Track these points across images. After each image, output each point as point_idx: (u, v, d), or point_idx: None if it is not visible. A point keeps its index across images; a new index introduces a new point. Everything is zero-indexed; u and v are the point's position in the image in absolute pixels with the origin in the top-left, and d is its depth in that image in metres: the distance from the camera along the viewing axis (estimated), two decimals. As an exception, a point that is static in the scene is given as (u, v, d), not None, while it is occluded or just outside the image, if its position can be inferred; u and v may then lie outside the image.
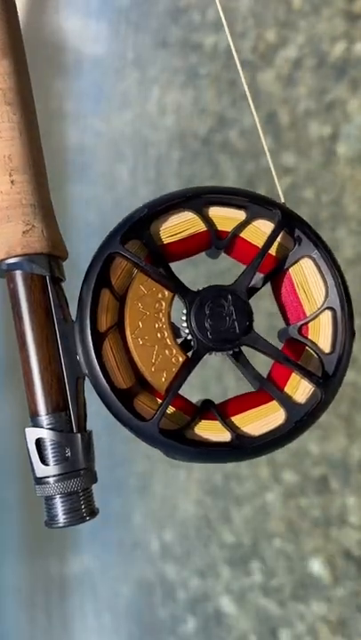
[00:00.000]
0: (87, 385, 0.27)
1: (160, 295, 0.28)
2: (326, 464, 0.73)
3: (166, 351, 0.28)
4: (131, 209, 0.28)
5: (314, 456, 0.75)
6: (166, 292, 0.28)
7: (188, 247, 0.29)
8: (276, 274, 0.30)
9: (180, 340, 0.28)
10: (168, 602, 1.10)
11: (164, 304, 0.28)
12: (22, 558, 2.68)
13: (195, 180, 1.11)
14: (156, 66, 1.31)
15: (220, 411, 0.29)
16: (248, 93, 0.36)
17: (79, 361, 0.27)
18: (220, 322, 0.28)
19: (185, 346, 0.28)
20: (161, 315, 0.28)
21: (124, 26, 1.49)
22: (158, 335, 0.28)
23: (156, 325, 0.28)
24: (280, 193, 0.30)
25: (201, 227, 0.28)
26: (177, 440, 0.27)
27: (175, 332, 0.28)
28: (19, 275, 0.27)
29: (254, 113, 0.35)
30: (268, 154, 0.33)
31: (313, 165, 0.76)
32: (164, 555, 1.14)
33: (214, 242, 0.29)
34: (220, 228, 0.29)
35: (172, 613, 1.09)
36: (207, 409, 0.29)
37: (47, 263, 0.27)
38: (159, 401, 0.28)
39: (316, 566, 0.74)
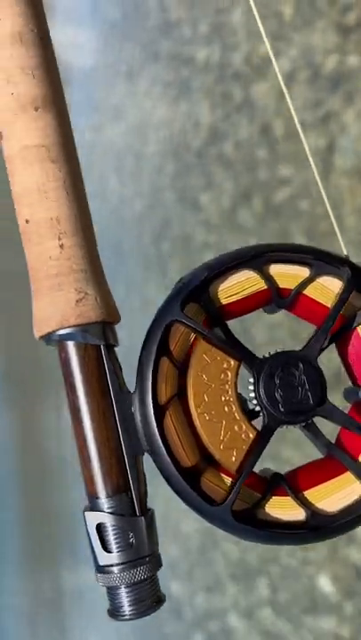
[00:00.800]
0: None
1: (225, 365, 0.26)
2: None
3: (235, 427, 0.26)
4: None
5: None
6: (232, 362, 0.26)
7: (247, 306, 0.27)
8: (344, 332, 0.27)
9: (245, 410, 0.26)
10: (174, 618, 1.09)
11: (229, 374, 0.26)
12: (22, 575, 2.66)
13: (190, 192, 1.10)
14: (147, 79, 1.31)
15: (291, 484, 0.26)
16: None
17: (139, 436, 0.25)
18: (292, 392, 0.26)
19: (251, 415, 0.26)
20: (227, 386, 0.26)
21: (115, 39, 1.50)
22: (225, 409, 0.26)
23: (223, 398, 0.26)
24: (342, 246, 0.29)
25: (262, 285, 0.27)
26: (251, 523, 0.26)
27: (242, 402, 0.26)
28: (71, 345, 0.25)
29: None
30: (331, 214, 0.32)
31: (309, 178, 0.76)
32: (168, 571, 1.12)
33: (275, 300, 0.27)
34: (281, 285, 0.27)
35: (179, 630, 1.08)
36: (277, 483, 0.27)
37: (101, 331, 0.26)
38: (226, 478, 0.26)
39: (323, 582, 0.73)
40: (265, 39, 0.38)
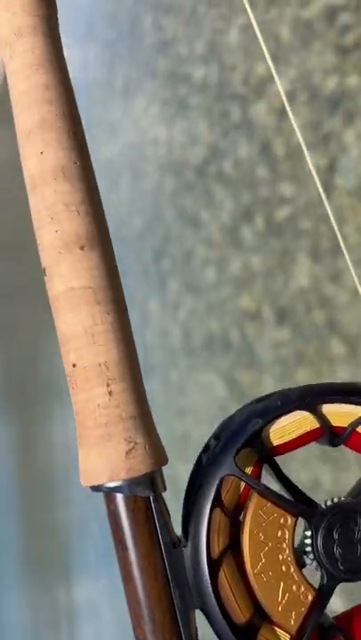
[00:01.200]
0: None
1: (282, 521, 0.25)
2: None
3: (293, 587, 0.25)
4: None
5: (326, 489, 0.74)
6: (289, 519, 0.25)
7: (299, 443, 0.27)
8: None
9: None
10: None
11: (287, 533, 0.25)
12: (23, 590, 2.63)
13: (190, 209, 1.11)
14: (144, 97, 1.32)
15: (347, 633, 0.26)
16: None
17: (192, 592, 0.25)
18: (351, 549, 0.25)
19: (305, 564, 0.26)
20: (284, 545, 0.25)
21: (110, 58, 1.51)
22: (283, 568, 0.25)
23: (280, 557, 0.25)
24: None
25: (314, 424, 0.26)
26: None
27: (298, 557, 0.26)
28: (120, 498, 0.25)
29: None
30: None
31: (311, 197, 0.76)
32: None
33: (328, 437, 0.26)
34: (334, 423, 0.27)
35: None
36: (333, 633, 0.26)
37: (150, 482, 0.25)
38: (283, 634, 0.25)
39: None
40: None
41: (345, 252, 0.35)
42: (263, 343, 0.88)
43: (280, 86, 0.39)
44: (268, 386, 0.87)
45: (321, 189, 0.41)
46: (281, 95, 0.44)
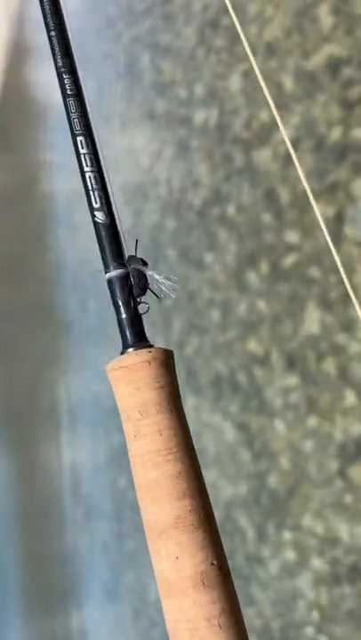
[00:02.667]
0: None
1: None
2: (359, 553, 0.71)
3: None
4: None
5: (346, 543, 0.73)
6: None
7: None
8: None
9: None
10: None
11: None
12: (23, 617, 2.58)
13: (193, 251, 1.11)
14: (143, 136, 1.33)
15: None
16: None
17: None
18: None
19: None
20: None
21: (107, 95, 1.52)
22: None
23: None
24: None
25: None
26: None
27: None
28: None
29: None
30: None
31: (319, 245, 0.76)
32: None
33: None
34: None
35: None
36: None
37: None
38: None
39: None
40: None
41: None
42: (273, 388, 0.87)
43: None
44: (280, 431, 0.87)
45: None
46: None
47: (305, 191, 0.74)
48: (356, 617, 0.72)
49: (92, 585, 1.80)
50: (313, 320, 0.79)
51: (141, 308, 0.29)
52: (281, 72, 0.82)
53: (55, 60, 0.32)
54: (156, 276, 0.29)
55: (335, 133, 0.73)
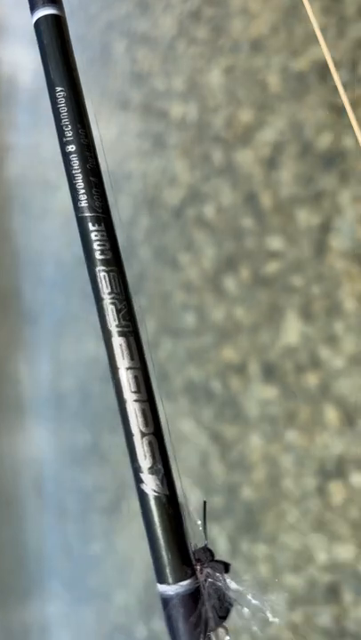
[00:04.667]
0: None
1: None
2: (335, 571, 0.69)
3: None
4: None
5: (321, 561, 0.71)
6: None
7: None
8: None
9: None
10: None
11: None
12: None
13: (168, 251, 1.07)
14: (116, 127, 1.27)
15: None
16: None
17: None
18: None
19: None
20: None
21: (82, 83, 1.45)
22: None
23: None
24: None
25: None
26: None
27: None
28: None
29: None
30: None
31: (302, 254, 0.74)
32: (154, 647, 1.07)
33: None
34: None
35: None
36: None
37: None
38: None
39: None
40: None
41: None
42: (249, 398, 0.85)
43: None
44: (256, 443, 0.84)
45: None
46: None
47: (289, 197, 0.71)
48: (332, 637, 0.71)
49: (54, 586, 1.76)
50: (293, 331, 0.76)
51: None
52: (266, 71, 0.79)
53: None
54: (247, 595, 0.18)
55: (323, 140, 0.70)
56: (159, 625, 1.16)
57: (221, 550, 0.90)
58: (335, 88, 0.68)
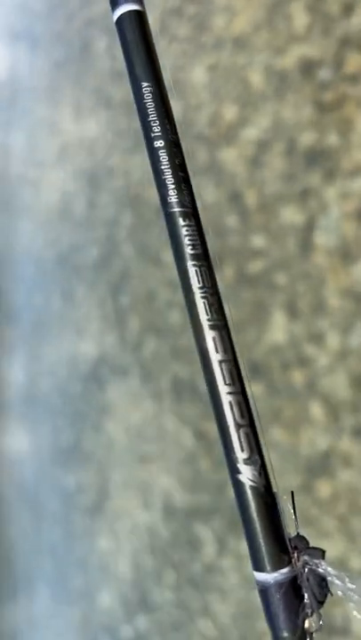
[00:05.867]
0: None
1: None
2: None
3: None
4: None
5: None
6: None
7: None
8: None
9: None
10: None
11: None
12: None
13: (151, 248, 1.07)
14: (97, 125, 1.26)
15: None
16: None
17: None
18: None
19: None
20: None
21: (58, 77, 1.44)
22: None
23: None
24: None
25: None
26: None
27: None
28: None
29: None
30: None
31: (287, 252, 0.74)
32: (141, 646, 1.07)
33: None
34: None
35: None
36: None
37: None
38: None
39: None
40: None
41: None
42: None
43: None
44: (241, 441, 0.84)
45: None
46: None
47: (273, 195, 0.71)
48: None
49: (38, 587, 1.75)
50: (279, 329, 0.77)
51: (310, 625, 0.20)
52: (249, 69, 0.79)
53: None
54: (345, 580, 0.19)
55: (307, 138, 0.70)
56: (144, 624, 1.16)
57: (208, 548, 0.90)
58: (319, 86, 0.69)
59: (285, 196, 0.73)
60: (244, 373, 0.25)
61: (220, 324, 0.25)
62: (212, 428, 0.92)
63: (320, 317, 0.70)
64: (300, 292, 0.73)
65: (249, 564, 0.71)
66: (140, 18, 0.27)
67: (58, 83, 1.44)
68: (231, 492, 0.74)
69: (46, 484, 1.70)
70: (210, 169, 0.88)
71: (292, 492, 0.21)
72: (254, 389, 0.82)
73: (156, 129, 0.27)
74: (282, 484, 0.75)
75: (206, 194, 0.89)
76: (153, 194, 1.07)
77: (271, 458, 0.77)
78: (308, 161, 0.70)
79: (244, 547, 0.86)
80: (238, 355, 0.25)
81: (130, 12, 0.27)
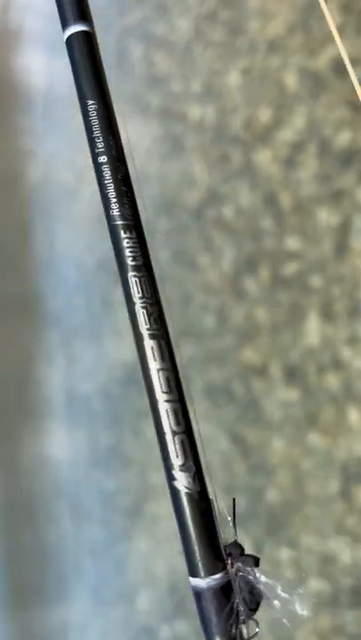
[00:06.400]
0: None
1: None
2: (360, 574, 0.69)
3: None
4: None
5: (346, 565, 0.70)
6: None
7: None
8: None
9: None
10: None
11: None
12: (8, 613, 2.56)
13: (187, 253, 1.07)
14: (134, 131, 1.28)
15: None
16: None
17: None
18: None
19: None
20: None
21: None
22: None
23: None
24: None
25: None
26: None
27: None
28: None
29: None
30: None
31: (322, 254, 0.73)
32: (178, 650, 1.07)
33: None
34: None
35: None
36: None
37: None
38: None
39: None
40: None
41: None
42: (270, 400, 0.84)
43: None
44: (278, 446, 0.84)
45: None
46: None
47: (308, 196, 0.71)
48: (358, 642, 0.70)
49: (78, 588, 1.77)
50: (314, 332, 0.76)
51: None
52: (283, 71, 0.78)
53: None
54: (276, 589, 0.19)
55: (342, 138, 0.69)
56: (183, 627, 1.16)
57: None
58: (353, 86, 0.68)
59: (320, 198, 0.72)
60: (183, 382, 0.25)
61: (159, 334, 0.25)
62: (248, 433, 0.92)
63: (356, 320, 0.68)
64: (335, 294, 0.72)
65: (286, 572, 0.70)
66: (88, 38, 0.28)
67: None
68: (269, 497, 0.74)
69: (86, 486, 1.72)
70: (245, 171, 0.88)
71: (234, 500, 0.21)
72: (290, 394, 0.81)
73: (100, 145, 0.28)
74: (319, 491, 0.74)
75: (242, 197, 0.89)
76: (189, 199, 1.08)
77: (307, 464, 0.76)
78: (343, 162, 0.69)
79: (281, 554, 0.85)
80: (179, 365, 0.26)
81: (78, 32, 0.27)
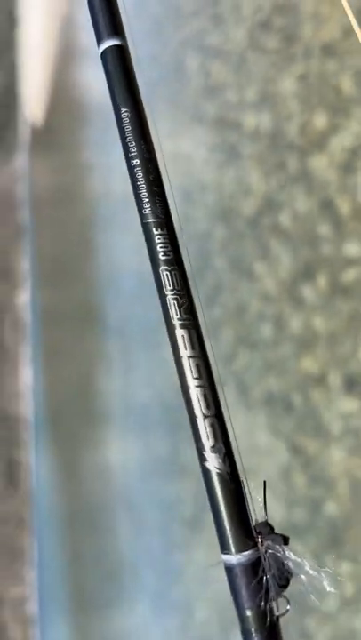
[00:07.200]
0: None
1: None
2: None
3: None
4: None
5: None
6: None
7: None
8: None
9: None
10: None
11: None
12: (72, 619, 2.60)
13: (243, 261, 1.07)
14: (191, 141, 1.29)
15: None
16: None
17: None
18: None
19: None
20: None
21: (153, 99, 1.48)
22: None
23: None
24: None
25: None
26: None
27: None
28: None
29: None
30: None
31: (382, 260, 0.71)
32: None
33: None
34: None
35: None
36: None
37: None
38: None
39: None
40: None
41: None
42: (330, 411, 0.82)
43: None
44: (338, 457, 0.82)
45: None
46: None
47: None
48: None
49: (137, 596, 1.78)
50: (375, 340, 0.74)
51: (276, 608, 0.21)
52: (339, 74, 0.77)
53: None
54: (305, 566, 0.21)
55: None
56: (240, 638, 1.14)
57: (306, 565, 0.88)
58: None
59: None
60: (214, 369, 0.27)
61: (189, 324, 0.26)
62: (308, 444, 0.90)
63: None
64: (396, 301, 0.70)
65: (346, 588, 0.68)
66: (121, 51, 0.30)
67: (154, 102, 1.49)
68: (327, 509, 0.72)
69: (146, 495, 1.73)
70: (301, 178, 0.87)
71: (265, 482, 0.22)
72: (350, 404, 0.79)
73: (133, 149, 0.29)
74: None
75: (298, 203, 0.88)
76: (245, 207, 1.07)
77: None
78: None
79: (343, 567, 0.83)
80: (211, 353, 0.27)
81: (112, 46, 0.30)
